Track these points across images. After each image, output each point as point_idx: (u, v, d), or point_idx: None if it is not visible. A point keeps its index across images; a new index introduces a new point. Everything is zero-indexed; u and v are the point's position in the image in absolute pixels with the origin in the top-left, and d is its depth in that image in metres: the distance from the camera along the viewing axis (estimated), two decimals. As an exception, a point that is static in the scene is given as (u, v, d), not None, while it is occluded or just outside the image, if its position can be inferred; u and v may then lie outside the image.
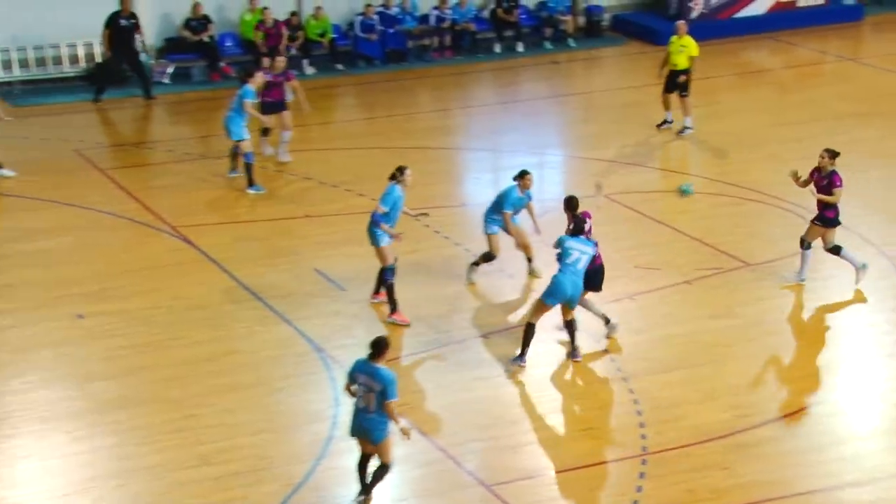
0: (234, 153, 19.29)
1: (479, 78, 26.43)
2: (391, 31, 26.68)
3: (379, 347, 10.99)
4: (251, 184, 18.87)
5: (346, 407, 13.01)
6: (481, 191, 19.69)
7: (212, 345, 14.41)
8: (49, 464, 12.12)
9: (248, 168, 18.86)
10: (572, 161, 21.22)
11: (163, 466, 12.03)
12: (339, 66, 26.30)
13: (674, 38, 22.01)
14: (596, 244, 14.00)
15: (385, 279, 14.85)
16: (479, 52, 27.56)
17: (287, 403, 13.20)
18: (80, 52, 24.67)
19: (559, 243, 13.78)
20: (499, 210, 15.65)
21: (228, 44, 26.11)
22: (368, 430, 11.09)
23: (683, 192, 16.36)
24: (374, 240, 14.73)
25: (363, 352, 13.88)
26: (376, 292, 15.27)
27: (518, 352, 13.93)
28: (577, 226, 13.84)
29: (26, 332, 14.62)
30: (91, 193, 19.00)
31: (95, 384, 13.49)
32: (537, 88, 25.86)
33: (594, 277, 14.16)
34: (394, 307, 14.85)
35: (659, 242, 17.30)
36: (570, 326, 13.95)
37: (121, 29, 23.69)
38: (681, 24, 22.22)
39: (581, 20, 28.96)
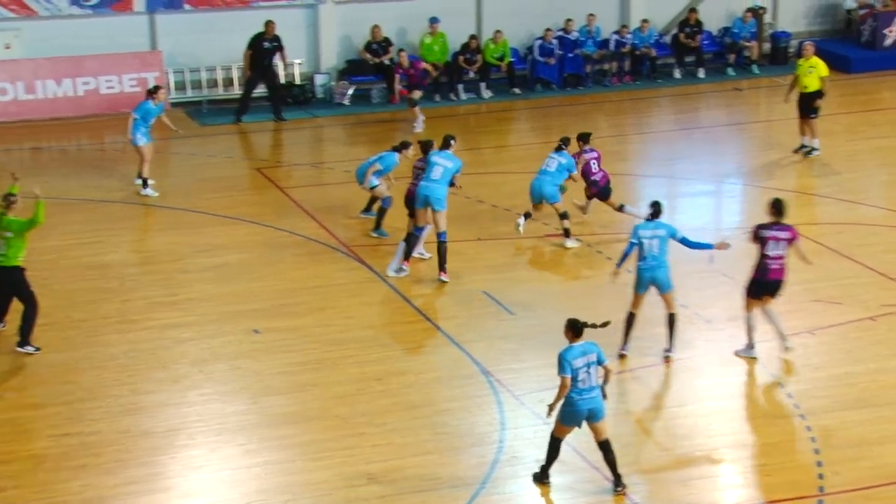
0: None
1: (657, 104, 26.15)
2: (570, 55, 26.63)
3: (580, 325, 11.67)
4: (377, 227, 18.23)
5: (512, 431, 12.99)
6: (656, 218, 19.45)
7: (381, 364, 14.54)
8: (221, 475, 12.38)
9: (382, 213, 18.27)
10: (751, 190, 20.75)
11: (330, 483, 12.14)
12: (516, 90, 26.35)
13: (801, 61, 21.83)
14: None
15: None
16: (658, 78, 27.29)
17: (453, 426, 13.19)
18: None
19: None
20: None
21: (408, 66, 26.43)
22: (596, 407, 11.65)
23: None
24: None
25: (531, 375, 13.91)
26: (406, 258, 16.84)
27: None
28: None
29: (204, 344, 15.00)
30: (270, 211, 19.44)
31: (268, 399, 13.73)
32: (717, 115, 25.42)
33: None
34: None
35: (842, 276, 16.74)
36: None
37: (263, 51, 24.21)
38: (807, 45, 22.03)
39: (766, 46, 28.39)
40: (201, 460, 12.61)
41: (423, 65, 24.22)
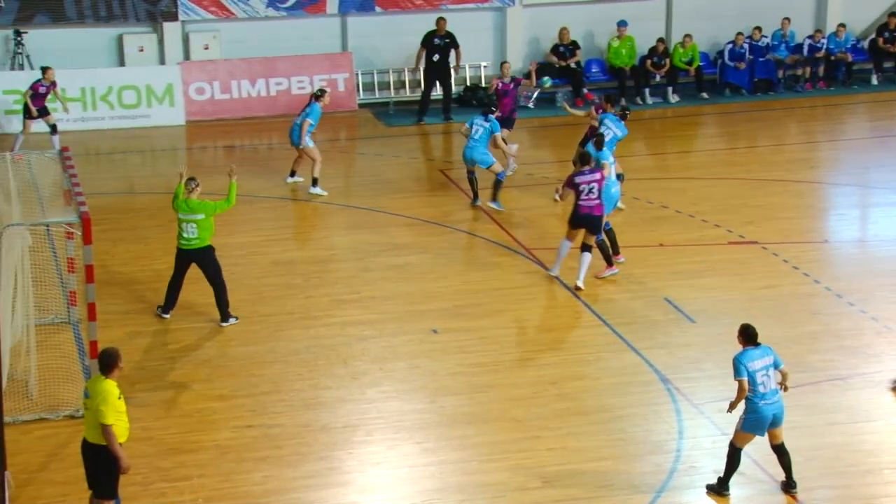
0: (472, 178, 19.66)
1: (852, 111, 25.37)
2: (761, 59, 26.06)
3: (753, 330, 11.54)
4: (494, 198, 19.37)
5: (690, 441, 12.79)
6: (846, 228, 18.91)
7: (558, 368, 14.50)
8: (399, 472, 12.53)
9: (498, 184, 19.36)
10: (950, 200, 19.95)
11: (505, 485, 12.17)
12: (704, 95, 25.94)
13: None
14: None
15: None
16: (854, 84, 26.46)
17: (630, 432, 13.06)
18: (453, 75, 25.45)
19: None
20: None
21: (594, 70, 26.35)
22: (779, 412, 11.54)
23: (543, 84, 19.89)
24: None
25: (711, 385, 13.68)
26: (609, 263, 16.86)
27: None
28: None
29: (384, 342, 15.22)
30: (453, 213, 19.58)
31: (445, 399, 13.84)
32: (916, 123, 24.56)
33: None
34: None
35: None
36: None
37: (434, 48, 24.40)
38: None
39: (972, 51, 27.25)
40: (379, 457, 12.79)
41: (523, 89, 22.63)
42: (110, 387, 10.80)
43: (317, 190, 20.34)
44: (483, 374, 14.36)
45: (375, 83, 25.63)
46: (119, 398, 10.81)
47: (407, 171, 21.83)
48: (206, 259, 15.34)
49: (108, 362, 10.91)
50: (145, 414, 13.23)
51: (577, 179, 16.21)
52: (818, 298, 15.99)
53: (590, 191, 16.17)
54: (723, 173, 21.23)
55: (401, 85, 25.71)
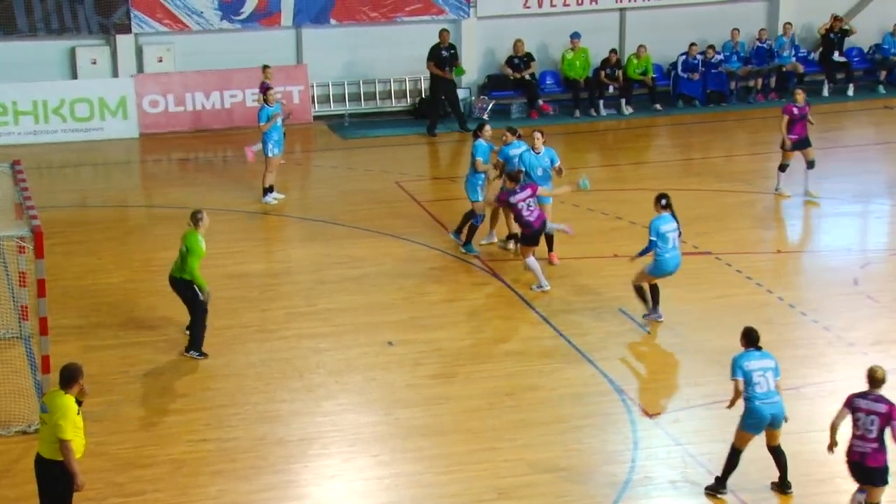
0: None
1: (803, 121, 25.57)
2: (713, 71, 26.27)
3: (756, 333, 11.97)
4: (467, 243, 18.21)
5: (645, 451, 12.86)
6: (797, 238, 19.09)
7: (513, 379, 14.53)
8: (354, 485, 12.52)
9: (472, 230, 18.16)
10: (899, 210, 20.21)
11: (461, 497, 12.19)
12: (658, 106, 26.10)
13: None
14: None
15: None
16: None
17: (586, 443, 13.12)
18: (407, 87, 25.63)
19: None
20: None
21: (549, 81, 26.46)
22: (778, 412, 11.81)
23: (581, 186, 17.50)
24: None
25: (666, 395, 13.78)
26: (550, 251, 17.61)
27: None
28: None
29: (340, 355, 15.19)
30: (408, 225, 19.57)
31: (401, 411, 13.84)
32: (865, 134, 24.81)
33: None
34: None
35: None
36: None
37: (442, 59, 24.48)
38: None
39: (919, 63, 27.61)
40: (334, 470, 12.77)
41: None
42: (70, 402, 10.73)
43: (268, 199, 20.32)
44: (439, 386, 14.37)
45: (331, 95, 25.61)
46: (78, 414, 10.75)
47: (363, 184, 21.80)
48: (183, 290, 14.91)
49: (69, 377, 10.84)
50: (100, 428, 13.12)
51: (514, 199, 16.73)
52: (771, 308, 16.12)
53: (528, 206, 16.69)
54: (676, 184, 21.30)
55: (356, 97, 25.71)
